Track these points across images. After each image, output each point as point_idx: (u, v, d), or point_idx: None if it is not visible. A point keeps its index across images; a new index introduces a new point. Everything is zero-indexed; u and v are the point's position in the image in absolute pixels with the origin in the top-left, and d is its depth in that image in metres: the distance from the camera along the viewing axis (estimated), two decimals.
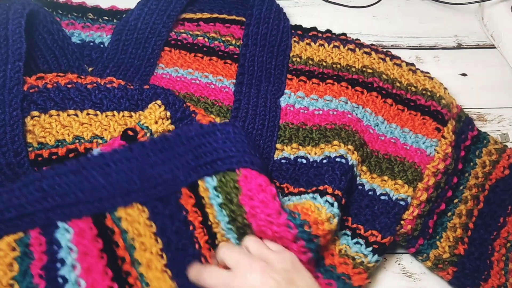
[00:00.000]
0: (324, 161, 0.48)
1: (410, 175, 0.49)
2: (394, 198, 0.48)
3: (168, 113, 0.47)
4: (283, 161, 0.50)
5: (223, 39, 0.59)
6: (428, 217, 0.49)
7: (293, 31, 0.59)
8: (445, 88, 0.55)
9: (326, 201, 0.44)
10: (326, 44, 0.57)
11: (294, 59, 0.56)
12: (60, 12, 0.59)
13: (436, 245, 0.49)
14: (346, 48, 0.57)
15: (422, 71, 0.55)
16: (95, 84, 0.49)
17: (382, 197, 0.48)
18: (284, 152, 0.50)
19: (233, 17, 0.61)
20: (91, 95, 0.48)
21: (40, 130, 0.47)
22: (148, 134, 0.45)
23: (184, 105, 0.48)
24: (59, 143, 0.47)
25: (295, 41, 0.58)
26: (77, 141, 0.47)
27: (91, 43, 0.57)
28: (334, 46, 0.57)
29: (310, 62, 0.56)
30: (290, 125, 0.52)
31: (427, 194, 0.49)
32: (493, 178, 0.53)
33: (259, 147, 0.50)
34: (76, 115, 0.48)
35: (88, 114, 0.48)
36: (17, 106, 0.46)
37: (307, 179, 0.48)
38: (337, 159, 0.47)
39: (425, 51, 0.64)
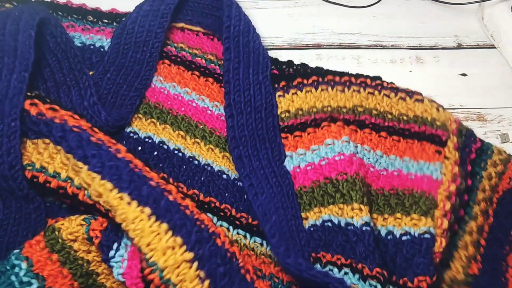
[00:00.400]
0: (349, 227, 0.45)
1: (423, 205, 0.47)
2: (417, 235, 0.45)
3: (179, 239, 0.39)
4: (311, 229, 0.47)
5: (220, 62, 0.58)
6: None
7: (276, 85, 0.56)
8: (438, 107, 0.53)
9: (370, 285, 0.42)
10: (313, 90, 0.55)
11: (283, 116, 0.54)
12: (60, 13, 0.59)
13: (449, 266, 0.47)
14: (335, 90, 0.55)
15: (411, 94, 0.54)
16: (100, 142, 0.46)
17: (404, 238, 0.46)
18: (310, 219, 0.48)
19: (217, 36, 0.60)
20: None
21: (47, 156, 0.46)
22: (158, 272, 0.38)
23: (200, 224, 0.42)
24: (56, 175, 0.45)
25: (280, 95, 0.55)
26: (69, 180, 0.45)
27: (91, 46, 0.57)
28: (322, 90, 0.55)
29: (300, 112, 0.54)
30: (304, 189, 0.49)
31: (447, 220, 0.46)
32: (500, 190, 0.51)
33: (287, 221, 0.47)
34: (69, 159, 0.46)
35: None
36: (15, 116, 0.45)
37: (340, 246, 0.45)
38: (364, 228, 0.45)
39: (425, 51, 0.64)
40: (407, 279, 0.44)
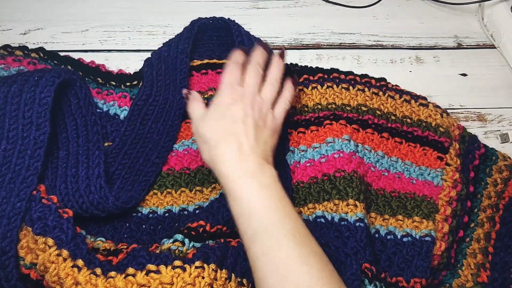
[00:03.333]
0: (343, 223, 0.45)
1: (425, 208, 0.47)
2: (418, 237, 0.46)
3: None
4: None
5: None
6: (449, 247, 0.48)
7: None
8: (443, 113, 0.54)
9: None
10: (319, 86, 0.55)
11: (290, 111, 0.53)
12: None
13: (458, 274, 0.47)
14: (340, 87, 0.55)
15: (416, 97, 0.55)
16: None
17: (405, 239, 0.46)
18: (303, 215, 0.48)
19: (224, 61, 0.56)
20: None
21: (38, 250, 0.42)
22: None
23: None
24: (32, 265, 0.41)
25: None
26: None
27: (105, 113, 0.53)
28: (328, 87, 0.55)
29: (306, 109, 0.54)
30: (301, 184, 0.50)
31: (448, 224, 0.47)
32: (506, 196, 0.51)
33: None
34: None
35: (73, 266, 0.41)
36: (25, 197, 0.42)
37: (331, 240, 0.45)
38: (357, 224, 0.45)
39: (425, 51, 0.64)
40: (402, 278, 0.44)
